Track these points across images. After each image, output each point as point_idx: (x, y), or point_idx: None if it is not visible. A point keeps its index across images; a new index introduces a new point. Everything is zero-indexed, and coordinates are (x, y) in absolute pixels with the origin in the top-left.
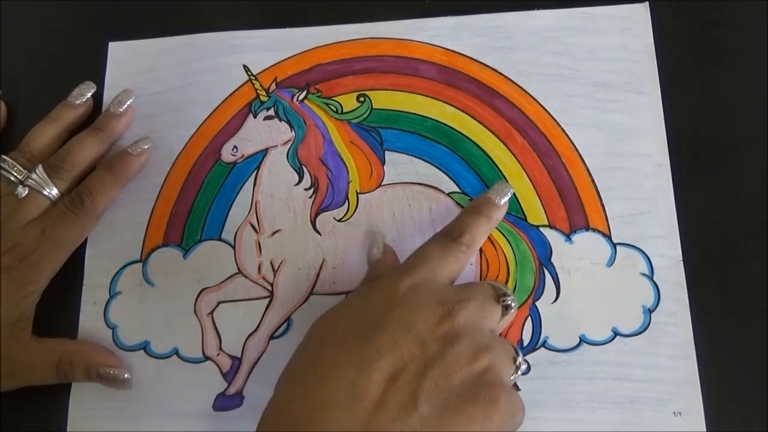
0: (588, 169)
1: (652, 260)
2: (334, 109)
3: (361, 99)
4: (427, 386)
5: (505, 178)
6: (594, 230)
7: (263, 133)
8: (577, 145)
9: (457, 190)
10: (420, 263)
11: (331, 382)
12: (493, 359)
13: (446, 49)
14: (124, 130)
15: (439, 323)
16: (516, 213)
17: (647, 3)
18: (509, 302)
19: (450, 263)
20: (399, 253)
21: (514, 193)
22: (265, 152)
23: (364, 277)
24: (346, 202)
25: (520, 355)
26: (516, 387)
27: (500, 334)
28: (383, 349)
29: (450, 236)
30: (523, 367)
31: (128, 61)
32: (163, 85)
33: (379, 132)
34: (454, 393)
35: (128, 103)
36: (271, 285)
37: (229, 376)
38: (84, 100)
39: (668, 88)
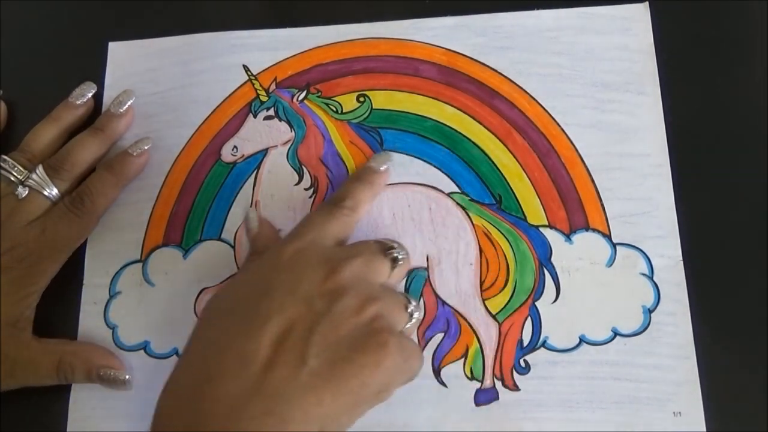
0: (588, 169)
1: (652, 260)
2: (334, 109)
3: (361, 99)
4: (316, 341)
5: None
6: (594, 230)
7: (263, 133)
8: (576, 145)
9: (457, 190)
10: (303, 229)
11: (220, 354)
12: (380, 308)
13: (446, 49)
14: (125, 131)
15: (324, 281)
16: (516, 213)
17: (647, 3)
18: (396, 254)
19: (334, 226)
20: None
21: (514, 193)
22: (265, 152)
23: (248, 254)
24: None
25: (412, 303)
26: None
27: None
28: (270, 314)
29: (332, 202)
30: (417, 314)
31: (128, 61)
32: (163, 85)
33: (379, 132)
34: (343, 344)
35: (129, 103)
36: None
37: None
38: (84, 100)
39: (668, 88)
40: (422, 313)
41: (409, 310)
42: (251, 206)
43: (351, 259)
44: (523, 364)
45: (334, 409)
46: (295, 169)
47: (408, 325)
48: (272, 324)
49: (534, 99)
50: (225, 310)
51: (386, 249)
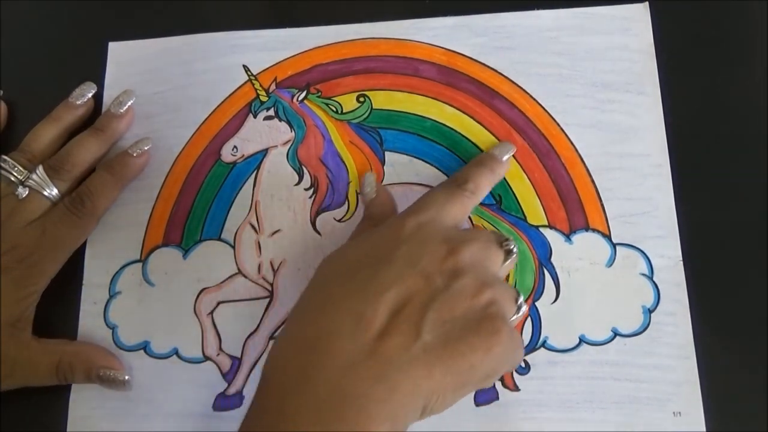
0: (588, 170)
1: (651, 260)
2: (334, 110)
3: (361, 99)
4: (431, 317)
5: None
6: (594, 230)
7: (263, 133)
8: (576, 146)
9: None
10: (426, 205)
11: (338, 312)
12: (495, 294)
13: (446, 49)
14: (125, 131)
15: (444, 259)
16: (516, 213)
17: (647, 3)
18: (511, 247)
19: (455, 207)
20: None
21: (514, 194)
22: (265, 152)
23: (362, 218)
24: (346, 203)
25: (521, 296)
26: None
27: None
28: (389, 283)
29: (455, 183)
30: (524, 308)
31: (128, 61)
32: (163, 85)
33: (379, 132)
34: (458, 324)
35: (129, 103)
36: (271, 285)
37: (229, 376)
38: (85, 100)
39: (668, 88)
40: (526, 307)
41: (518, 303)
42: (369, 170)
43: (470, 242)
44: (523, 364)
45: (442, 385)
46: (295, 169)
47: (514, 317)
48: (391, 293)
49: (534, 99)
50: (343, 273)
51: (502, 240)
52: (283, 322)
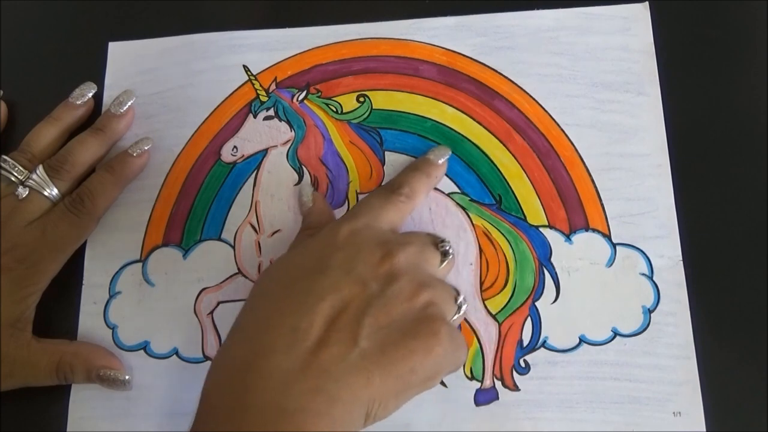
0: (588, 170)
1: (651, 260)
2: (334, 110)
3: (361, 99)
4: (368, 323)
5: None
6: (594, 230)
7: (263, 133)
8: (576, 146)
9: (457, 190)
10: (360, 211)
11: (273, 329)
12: (433, 295)
13: (446, 49)
14: (125, 131)
15: (379, 263)
16: (516, 213)
17: (647, 3)
18: (447, 248)
19: (390, 212)
20: None
21: (514, 194)
22: (264, 152)
23: (300, 229)
24: (346, 203)
25: (461, 295)
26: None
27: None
28: (324, 293)
29: (390, 188)
30: (464, 306)
31: (128, 61)
32: (163, 85)
33: (379, 132)
34: (395, 328)
35: (129, 103)
36: None
37: None
38: (85, 100)
39: (668, 88)
40: (467, 307)
41: (458, 302)
42: (309, 183)
43: (406, 245)
44: (523, 364)
45: (382, 391)
46: (295, 169)
47: (455, 317)
48: (326, 302)
49: (534, 99)
50: (278, 286)
51: (438, 242)
52: None
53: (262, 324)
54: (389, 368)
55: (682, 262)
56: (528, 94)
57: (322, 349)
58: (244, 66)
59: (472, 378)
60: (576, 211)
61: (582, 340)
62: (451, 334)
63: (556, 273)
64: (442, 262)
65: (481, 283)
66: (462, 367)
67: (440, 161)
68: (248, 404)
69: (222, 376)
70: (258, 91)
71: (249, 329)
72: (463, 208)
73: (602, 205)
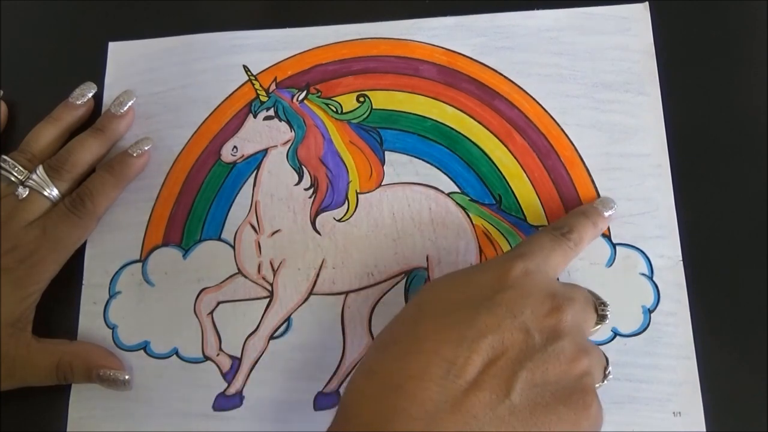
0: (588, 170)
1: (651, 260)
2: (334, 110)
3: (361, 99)
4: (523, 376)
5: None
6: None
7: (263, 133)
8: (576, 146)
9: (457, 190)
10: (532, 251)
11: (428, 354)
12: (590, 364)
13: (446, 49)
14: (125, 131)
15: (547, 315)
16: (516, 213)
17: (647, 3)
18: (606, 312)
19: (558, 256)
20: (397, 253)
21: (514, 194)
22: (264, 152)
23: None
24: (346, 202)
25: (609, 365)
26: None
27: None
28: (486, 330)
29: (560, 231)
30: (610, 377)
31: (128, 61)
32: (163, 85)
33: (379, 132)
34: (549, 390)
35: (129, 104)
36: (271, 285)
37: (228, 376)
38: (85, 100)
39: (668, 88)
40: (611, 374)
41: (606, 372)
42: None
43: (572, 301)
44: None
45: None
46: (295, 169)
47: (599, 386)
48: (486, 341)
49: (534, 99)
50: (439, 310)
51: (599, 303)
52: (283, 322)
53: (419, 345)
54: (530, 428)
55: (682, 262)
56: (528, 94)
57: (474, 391)
58: (244, 66)
59: None
60: None
61: None
62: (599, 409)
63: None
64: (597, 324)
65: None
66: None
67: (607, 213)
68: (394, 425)
69: (370, 388)
70: (258, 91)
71: (403, 344)
72: (463, 208)
73: None
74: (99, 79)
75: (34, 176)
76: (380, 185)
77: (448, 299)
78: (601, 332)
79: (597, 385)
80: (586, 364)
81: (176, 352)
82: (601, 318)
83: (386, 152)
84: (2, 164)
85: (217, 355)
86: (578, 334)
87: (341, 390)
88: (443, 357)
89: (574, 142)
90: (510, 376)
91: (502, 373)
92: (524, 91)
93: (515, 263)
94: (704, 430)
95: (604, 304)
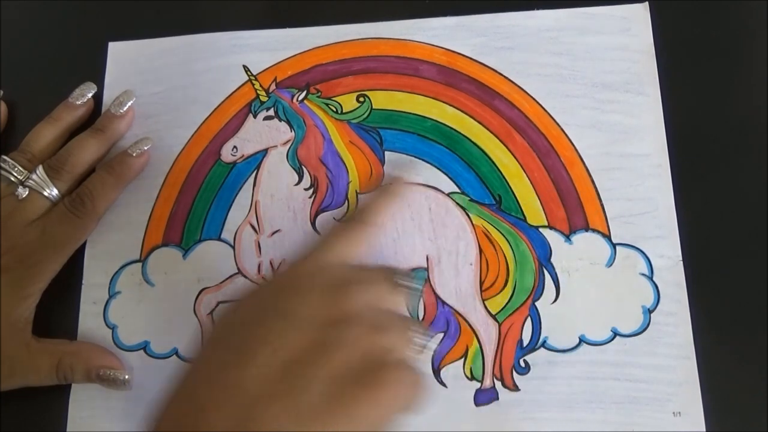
0: (588, 170)
1: (651, 260)
2: (334, 110)
3: (361, 99)
4: (312, 373)
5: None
6: (594, 231)
7: (263, 133)
8: (576, 146)
9: (457, 190)
10: (314, 247)
11: (210, 383)
12: (389, 340)
13: (446, 49)
14: (125, 132)
15: (330, 308)
16: (516, 213)
17: (647, 3)
18: (407, 282)
19: (347, 244)
20: (398, 253)
21: (514, 194)
22: (264, 152)
23: None
24: (346, 203)
25: (421, 332)
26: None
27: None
28: (265, 343)
29: (347, 217)
30: (428, 343)
31: (128, 61)
32: (163, 85)
33: (379, 132)
34: (348, 377)
35: (129, 104)
36: None
37: None
38: (85, 100)
39: (668, 88)
40: (435, 345)
41: (417, 341)
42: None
43: (360, 285)
44: (522, 364)
45: None
46: (294, 169)
47: (416, 354)
48: (265, 355)
49: (534, 99)
50: (222, 336)
51: (395, 274)
52: None
53: (201, 378)
54: (338, 420)
55: (682, 262)
56: (528, 94)
57: (262, 405)
58: (244, 66)
59: (472, 378)
60: (576, 211)
61: (582, 340)
62: (409, 379)
63: (555, 273)
64: (402, 296)
65: (481, 283)
66: (462, 367)
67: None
68: None
69: (172, 415)
70: (258, 91)
71: (188, 383)
72: (463, 208)
73: (602, 205)
74: (99, 79)
75: (34, 176)
76: (380, 185)
77: (231, 323)
78: (601, 332)
79: (415, 354)
80: (382, 342)
81: (176, 352)
82: (404, 288)
83: (386, 152)
84: (2, 164)
85: None
86: (371, 314)
87: None
88: (224, 383)
89: (574, 142)
90: (299, 378)
91: (289, 379)
92: (524, 91)
93: (291, 268)
94: (704, 430)
95: (401, 273)
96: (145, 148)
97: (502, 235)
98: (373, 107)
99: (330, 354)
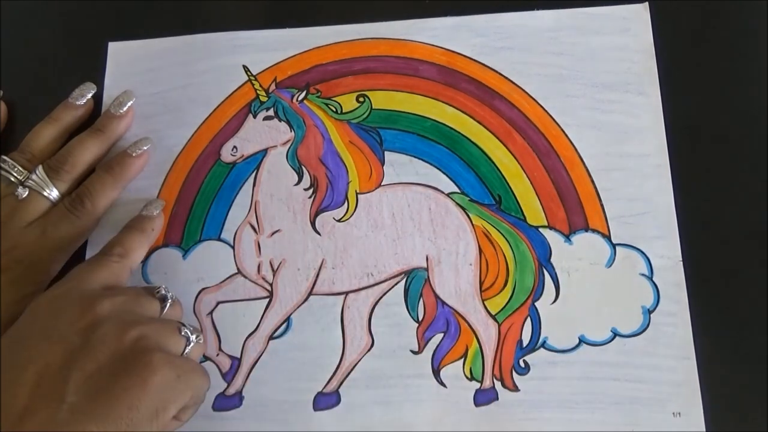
0: (587, 170)
1: (651, 261)
2: (334, 110)
3: (361, 99)
4: (73, 377)
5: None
6: (593, 231)
7: (263, 133)
8: (576, 146)
9: (457, 190)
10: (66, 279)
11: None
12: (144, 330)
13: (446, 49)
14: (125, 132)
15: (80, 317)
16: (515, 214)
17: (647, 3)
18: (163, 292)
19: (101, 273)
20: (397, 253)
21: (514, 194)
22: (264, 152)
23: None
24: (346, 203)
25: (186, 325)
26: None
27: None
28: (26, 362)
29: (102, 251)
30: (193, 336)
31: (128, 61)
32: (163, 85)
33: (379, 132)
34: (105, 372)
35: (129, 104)
36: (271, 285)
37: (228, 376)
38: (84, 101)
39: (668, 88)
40: (202, 337)
41: (183, 333)
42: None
43: (111, 296)
44: (522, 364)
45: None
46: (294, 169)
47: (188, 348)
48: (28, 372)
49: (534, 99)
50: None
51: (153, 289)
52: (282, 322)
53: None
54: (104, 413)
55: (681, 262)
56: (528, 94)
57: (27, 417)
58: (244, 66)
59: (471, 378)
60: (576, 211)
61: (582, 341)
62: (170, 361)
63: (555, 273)
64: (162, 308)
65: (481, 284)
66: (462, 368)
67: (155, 212)
68: None
69: None
70: (258, 92)
71: None
72: (463, 209)
73: (602, 205)
74: (99, 80)
75: (34, 176)
76: (380, 185)
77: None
78: (601, 332)
79: (187, 349)
80: (135, 333)
81: None
82: (162, 299)
83: (386, 152)
84: (2, 164)
85: (217, 355)
86: (123, 315)
87: (341, 390)
88: None
89: (574, 142)
90: (59, 384)
91: (51, 388)
92: (524, 91)
93: (43, 295)
94: (704, 430)
95: (158, 288)
96: (145, 148)
97: (502, 235)
98: (373, 107)
99: (88, 353)
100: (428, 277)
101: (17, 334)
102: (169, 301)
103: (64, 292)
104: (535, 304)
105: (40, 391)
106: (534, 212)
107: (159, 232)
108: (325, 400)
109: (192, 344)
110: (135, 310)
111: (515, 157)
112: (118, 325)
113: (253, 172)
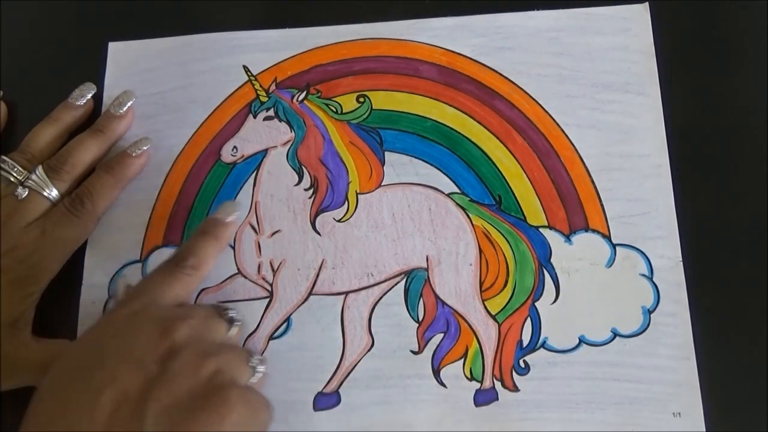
0: (588, 170)
1: (651, 261)
2: (334, 110)
3: (361, 99)
4: (152, 407)
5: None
6: (593, 231)
7: (263, 133)
8: (576, 146)
9: (457, 190)
10: (140, 291)
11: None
12: (219, 363)
13: (446, 49)
14: (125, 132)
15: (157, 343)
16: (516, 214)
17: (647, 3)
18: (231, 314)
19: (174, 287)
20: (397, 253)
21: (514, 194)
22: (264, 153)
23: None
24: (346, 203)
25: (255, 357)
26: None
27: None
28: (103, 385)
29: (174, 261)
30: (261, 368)
31: (128, 61)
32: (163, 85)
33: (379, 132)
34: (183, 406)
35: (129, 104)
36: (271, 285)
37: None
38: (84, 101)
39: (668, 88)
40: (266, 367)
41: (251, 364)
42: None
43: (185, 319)
44: (522, 364)
45: None
46: (294, 170)
47: (254, 379)
48: (106, 396)
49: (534, 99)
50: (59, 383)
51: (222, 310)
52: (282, 323)
53: (46, 427)
54: None
55: (681, 262)
56: (528, 94)
57: None
58: (244, 66)
59: (471, 378)
60: (576, 211)
61: (582, 341)
62: (245, 398)
63: (555, 273)
64: (229, 328)
65: (481, 284)
66: (462, 368)
67: (228, 219)
68: None
69: None
70: (258, 92)
71: (38, 422)
72: (463, 209)
73: (602, 205)
74: (99, 80)
75: (34, 177)
76: (380, 186)
77: (68, 368)
78: (601, 333)
79: (251, 379)
80: (212, 366)
81: None
82: (230, 321)
83: (386, 152)
84: (2, 165)
85: None
86: (199, 344)
87: (341, 390)
88: (68, 430)
89: (574, 142)
90: (138, 414)
91: (130, 417)
92: (524, 91)
93: (119, 310)
94: (704, 430)
95: (226, 309)
96: (145, 148)
97: (502, 235)
98: (373, 107)
99: (166, 384)
100: (428, 277)
101: (92, 348)
102: (237, 324)
103: (141, 309)
104: (535, 304)
105: (118, 419)
106: (534, 212)
107: (231, 239)
108: (325, 400)
109: (258, 374)
110: (207, 337)
111: (515, 158)
112: (195, 356)
113: (253, 172)
